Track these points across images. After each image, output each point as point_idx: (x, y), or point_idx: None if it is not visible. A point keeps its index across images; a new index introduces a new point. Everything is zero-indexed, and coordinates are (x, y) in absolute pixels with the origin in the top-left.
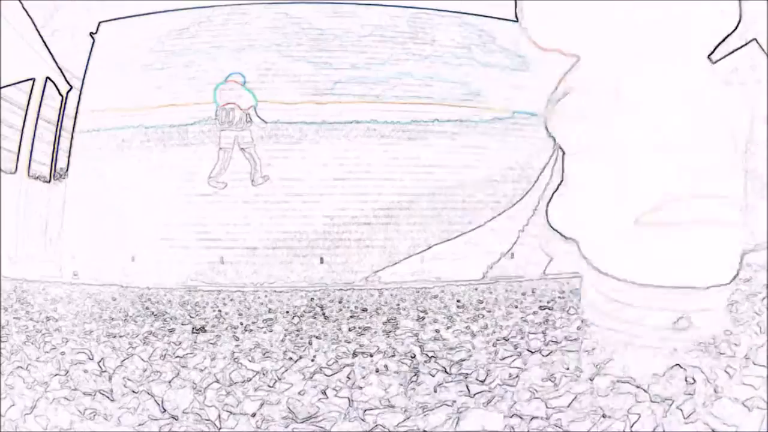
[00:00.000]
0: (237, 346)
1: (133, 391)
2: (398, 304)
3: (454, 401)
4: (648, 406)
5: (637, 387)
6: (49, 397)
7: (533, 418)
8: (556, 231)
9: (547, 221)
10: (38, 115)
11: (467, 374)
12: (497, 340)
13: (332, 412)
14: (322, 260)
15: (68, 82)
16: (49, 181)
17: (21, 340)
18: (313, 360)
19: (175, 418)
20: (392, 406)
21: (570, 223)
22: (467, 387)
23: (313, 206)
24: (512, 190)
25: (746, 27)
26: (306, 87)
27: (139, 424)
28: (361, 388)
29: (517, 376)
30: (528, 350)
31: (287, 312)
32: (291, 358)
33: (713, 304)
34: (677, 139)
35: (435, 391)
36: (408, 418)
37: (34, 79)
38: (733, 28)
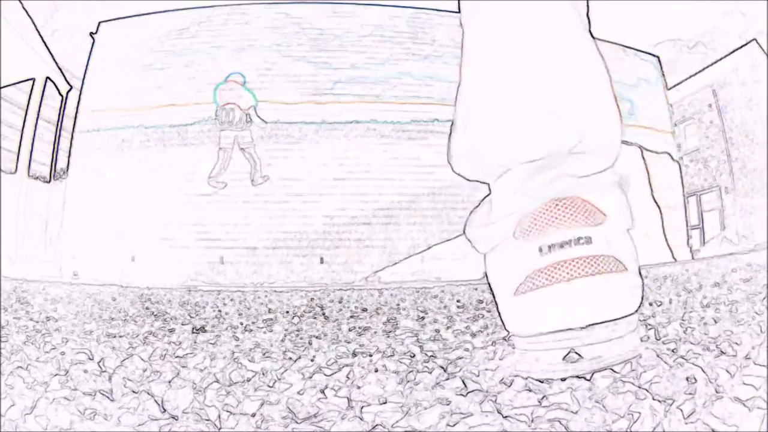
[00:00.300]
0: (237, 346)
1: (133, 391)
2: (398, 304)
3: (449, 399)
4: (649, 405)
5: (639, 387)
6: (49, 397)
7: (532, 417)
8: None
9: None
10: (38, 115)
11: (464, 374)
12: (497, 340)
13: (332, 411)
14: (322, 260)
15: (68, 82)
16: (49, 181)
17: (21, 340)
18: (312, 360)
19: (175, 418)
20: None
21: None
22: (464, 383)
23: (313, 206)
24: None
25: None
26: (306, 87)
27: (139, 424)
28: (359, 387)
29: (513, 377)
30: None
31: (287, 312)
32: (291, 358)
33: (605, 335)
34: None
35: (432, 389)
36: (406, 414)
37: (34, 79)
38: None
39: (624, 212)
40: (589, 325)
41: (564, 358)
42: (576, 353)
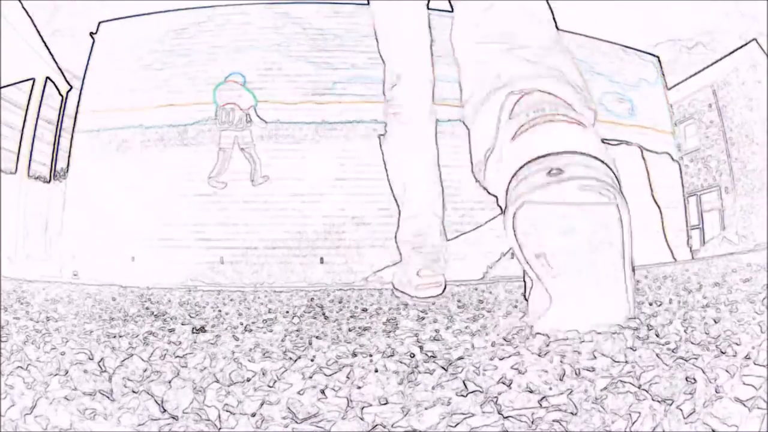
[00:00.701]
0: (237, 346)
1: (133, 391)
2: (398, 305)
3: (450, 399)
4: (649, 405)
5: (638, 387)
6: (49, 397)
7: (532, 417)
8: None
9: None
10: (38, 115)
11: (464, 374)
12: (496, 340)
13: (332, 411)
14: (322, 260)
15: (68, 82)
16: (49, 181)
17: (21, 340)
18: (312, 360)
19: (175, 418)
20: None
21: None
22: (464, 384)
23: (313, 206)
24: None
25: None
26: (306, 87)
27: (139, 424)
28: (359, 387)
29: (514, 377)
30: (527, 350)
31: (287, 312)
32: (291, 358)
33: (582, 160)
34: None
35: (432, 389)
36: (406, 414)
37: (34, 79)
38: None
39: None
40: (567, 152)
41: (548, 174)
42: (558, 169)
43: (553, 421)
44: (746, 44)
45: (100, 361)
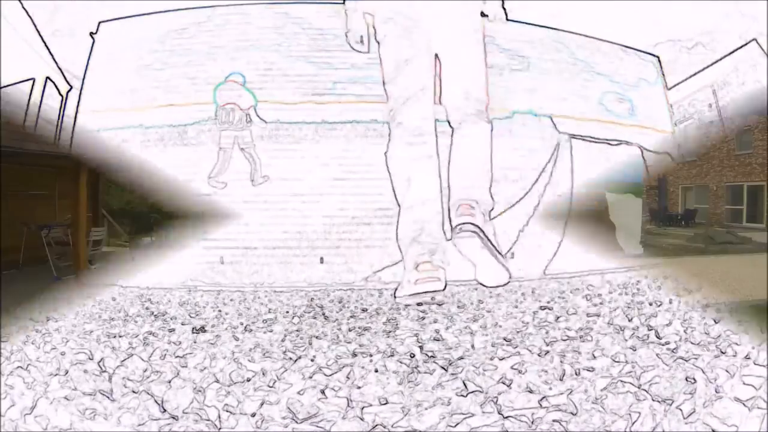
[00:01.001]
0: (237, 346)
1: (133, 391)
2: (398, 305)
3: (450, 399)
4: (649, 405)
5: (638, 387)
6: (49, 397)
7: (532, 418)
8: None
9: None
10: (38, 115)
11: (464, 374)
12: (496, 340)
13: (332, 411)
14: (322, 260)
15: (68, 82)
16: None
17: (21, 340)
18: (312, 360)
19: (175, 418)
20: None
21: None
22: (464, 384)
23: (313, 206)
24: (512, 190)
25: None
26: (306, 87)
27: (139, 424)
28: (359, 387)
29: (514, 377)
30: (527, 350)
31: (287, 312)
32: (291, 358)
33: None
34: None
35: (432, 389)
36: (406, 414)
37: (34, 79)
38: None
39: None
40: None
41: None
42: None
43: (553, 421)
44: (746, 44)
45: (100, 361)
